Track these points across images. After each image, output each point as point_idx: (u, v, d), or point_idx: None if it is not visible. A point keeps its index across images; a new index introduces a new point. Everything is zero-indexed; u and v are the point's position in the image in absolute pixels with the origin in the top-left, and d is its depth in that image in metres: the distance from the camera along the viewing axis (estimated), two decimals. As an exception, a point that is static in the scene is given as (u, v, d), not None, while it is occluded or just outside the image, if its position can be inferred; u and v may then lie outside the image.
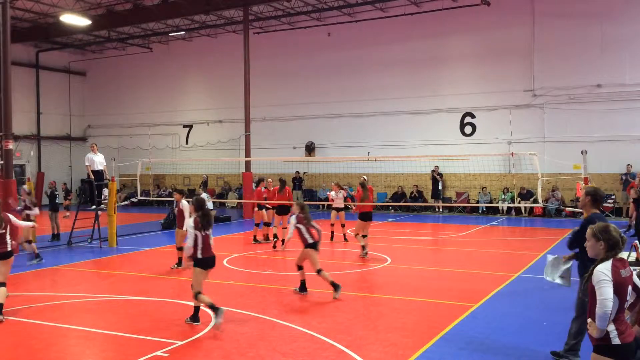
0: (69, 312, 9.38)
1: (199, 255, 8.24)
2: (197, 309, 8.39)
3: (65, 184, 27.70)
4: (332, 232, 16.78)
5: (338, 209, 16.94)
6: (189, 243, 8.21)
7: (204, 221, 8.26)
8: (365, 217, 14.32)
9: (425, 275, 12.26)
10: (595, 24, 22.99)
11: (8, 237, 8.96)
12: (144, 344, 7.48)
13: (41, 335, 8.03)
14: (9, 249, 8.97)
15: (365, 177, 17.18)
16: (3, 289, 8.78)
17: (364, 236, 14.24)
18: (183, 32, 30.13)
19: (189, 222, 8.51)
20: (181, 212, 12.63)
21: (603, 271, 4.32)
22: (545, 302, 9.73)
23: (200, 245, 8.21)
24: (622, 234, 4.54)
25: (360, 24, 27.02)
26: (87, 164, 17.42)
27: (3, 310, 8.67)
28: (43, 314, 9.04)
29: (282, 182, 16.35)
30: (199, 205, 8.47)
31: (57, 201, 18.28)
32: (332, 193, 17.18)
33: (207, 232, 8.32)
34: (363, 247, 14.12)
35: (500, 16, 24.51)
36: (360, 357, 6.87)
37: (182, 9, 25.49)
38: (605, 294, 4.24)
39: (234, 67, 27.48)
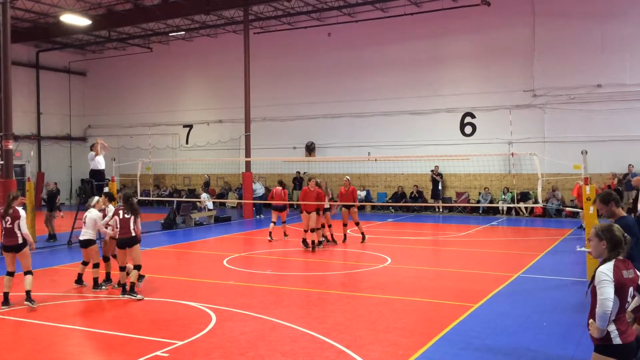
0: (69, 312, 9.38)
1: (116, 236, 10.37)
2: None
3: (56, 183, 27.67)
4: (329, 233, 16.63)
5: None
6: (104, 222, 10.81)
7: (125, 207, 10.35)
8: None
9: (425, 275, 12.26)
10: (595, 24, 23.00)
11: (17, 230, 9.35)
12: (144, 344, 7.48)
13: (41, 335, 8.02)
14: (20, 241, 9.38)
15: (347, 177, 17.01)
16: (28, 276, 9.49)
17: (317, 229, 15.45)
18: (183, 32, 30.14)
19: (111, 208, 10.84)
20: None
21: (605, 272, 4.34)
22: (545, 302, 9.73)
23: (117, 228, 10.28)
24: (625, 234, 4.54)
25: (360, 24, 27.02)
26: (91, 159, 17.42)
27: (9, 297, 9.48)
28: (43, 314, 9.04)
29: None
30: (125, 198, 10.51)
31: (55, 202, 18.25)
32: None
33: (127, 217, 10.28)
34: (320, 241, 15.58)
35: (501, 16, 24.51)
36: (360, 357, 6.87)
37: (183, 9, 25.50)
38: (606, 293, 4.25)
39: (234, 67, 27.49)
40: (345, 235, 16.58)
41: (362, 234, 16.53)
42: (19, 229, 9.38)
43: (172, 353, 7.10)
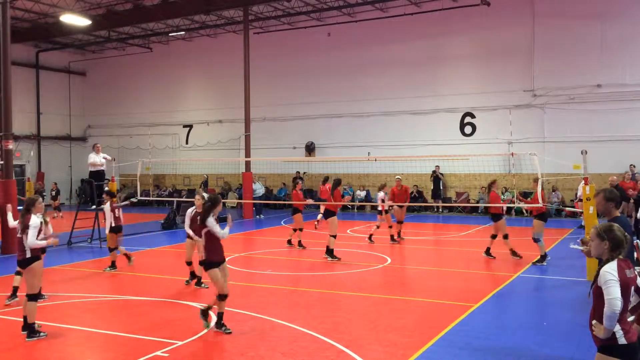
0: (69, 312, 9.37)
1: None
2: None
3: (55, 183, 27.66)
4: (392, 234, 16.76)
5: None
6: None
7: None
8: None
9: (425, 275, 12.26)
10: (595, 24, 23.00)
11: (25, 242, 8.01)
12: (144, 344, 7.48)
13: (41, 335, 8.02)
14: (28, 255, 7.99)
15: (399, 176, 17.51)
16: (31, 303, 7.87)
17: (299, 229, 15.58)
18: (183, 32, 30.14)
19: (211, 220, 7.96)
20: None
21: (610, 271, 4.33)
22: (545, 302, 9.74)
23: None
24: (626, 234, 4.55)
25: (360, 24, 27.01)
26: (89, 161, 17.49)
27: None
28: (43, 314, 9.01)
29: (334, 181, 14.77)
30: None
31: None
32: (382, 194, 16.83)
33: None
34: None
35: (500, 16, 24.51)
36: (360, 357, 6.87)
37: (182, 9, 25.50)
38: (614, 293, 4.24)
39: (234, 67, 27.49)
40: (399, 232, 16.81)
41: (399, 232, 16.79)
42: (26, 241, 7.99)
43: (172, 353, 7.11)
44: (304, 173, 28.45)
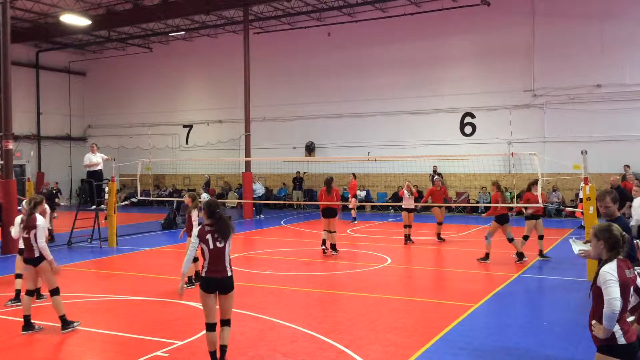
0: (69, 312, 9.36)
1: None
2: None
3: (57, 182, 27.65)
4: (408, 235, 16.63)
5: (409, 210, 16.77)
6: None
7: None
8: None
9: (425, 275, 12.25)
10: (595, 24, 23.02)
11: (34, 242, 8.15)
12: (144, 344, 7.48)
13: (41, 335, 8.02)
14: (37, 254, 8.17)
15: (438, 177, 17.90)
16: (55, 297, 8.18)
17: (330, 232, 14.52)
18: (183, 32, 30.15)
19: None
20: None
21: (609, 271, 4.34)
22: (545, 303, 9.73)
23: None
24: (624, 233, 4.55)
25: (360, 24, 27.02)
26: (86, 162, 17.52)
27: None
28: (43, 313, 9.02)
29: (328, 182, 14.64)
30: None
31: (54, 201, 18.38)
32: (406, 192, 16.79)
33: None
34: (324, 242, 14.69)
35: (500, 16, 24.52)
36: (360, 357, 6.87)
37: (182, 9, 25.51)
38: (613, 293, 4.25)
39: (234, 67, 27.49)
40: (439, 234, 16.81)
41: (438, 234, 16.85)
42: (35, 241, 8.15)
43: (172, 353, 7.11)
44: (304, 173, 28.46)
